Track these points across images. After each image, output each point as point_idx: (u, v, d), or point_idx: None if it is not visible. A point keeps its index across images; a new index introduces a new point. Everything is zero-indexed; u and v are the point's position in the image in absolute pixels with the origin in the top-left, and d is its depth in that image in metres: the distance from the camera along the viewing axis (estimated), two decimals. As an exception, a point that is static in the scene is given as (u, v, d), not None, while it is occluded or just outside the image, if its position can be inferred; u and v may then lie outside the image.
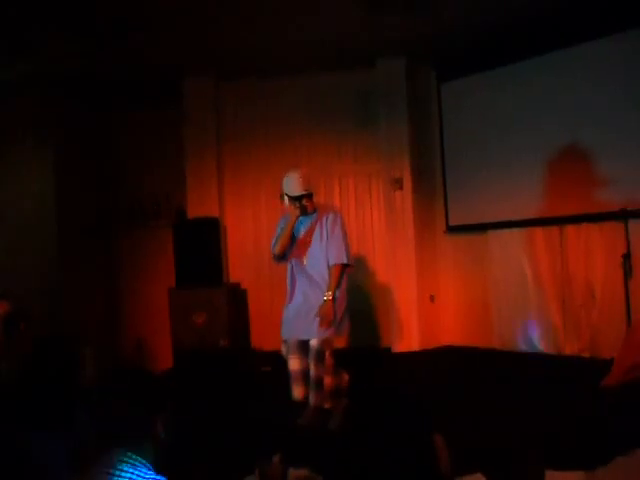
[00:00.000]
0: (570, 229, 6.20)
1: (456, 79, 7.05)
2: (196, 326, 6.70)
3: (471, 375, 5.74)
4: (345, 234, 4.64)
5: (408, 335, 7.08)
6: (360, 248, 7.30)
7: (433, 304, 7.28)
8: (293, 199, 4.54)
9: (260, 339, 7.22)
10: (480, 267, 6.97)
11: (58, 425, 2.53)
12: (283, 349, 4.71)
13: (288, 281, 4.75)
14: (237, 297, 7.14)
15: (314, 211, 4.65)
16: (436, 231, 7.37)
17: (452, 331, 7.24)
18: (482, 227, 6.91)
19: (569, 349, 6.19)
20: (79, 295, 6.98)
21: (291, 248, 4.66)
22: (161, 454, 2.64)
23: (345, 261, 4.55)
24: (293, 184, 4.54)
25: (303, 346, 4.55)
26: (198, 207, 7.29)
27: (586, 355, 6.03)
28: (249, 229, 7.53)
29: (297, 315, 4.60)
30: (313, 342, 4.46)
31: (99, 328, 7.12)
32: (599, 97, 5.86)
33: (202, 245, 6.95)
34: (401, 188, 7.13)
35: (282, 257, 4.71)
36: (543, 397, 4.67)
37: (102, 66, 6.64)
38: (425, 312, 7.18)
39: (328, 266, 4.55)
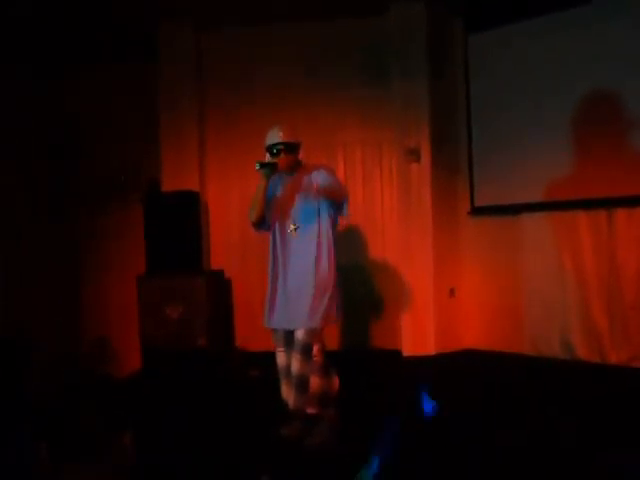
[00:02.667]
0: (620, 213, 6.13)
1: (488, 30, 6.93)
2: (170, 321, 6.68)
3: (498, 386, 5.67)
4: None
5: (422, 336, 7.05)
6: (367, 231, 7.29)
7: (453, 299, 7.26)
8: (270, 152, 4.49)
9: (246, 338, 7.19)
10: (510, 257, 6.92)
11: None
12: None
13: (270, 252, 4.65)
14: (219, 287, 7.12)
15: (296, 166, 4.55)
16: (459, 213, 7.31)
17: (475, 332, 7.22)
18: (514, 209, 6.86)
19: (615, 357, 6.17)
20: (27, 287, 6.90)
21: (269, 210, 4.60)
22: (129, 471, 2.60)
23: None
24: (271, 133, 4.52)
25: (289, 337, 4.52)
26: (174, 179, 7.22)
27: (636, 365, 5.99)
28: (235, 206, 7.45)
29: (279, 295, 4.57)
30: (298, 334, 4.40)
31: (52, 326, 7.04)
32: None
33: (178, 224, 6.89)
34: (418, 160, 7.07)
35: (262, 224, 4.65)
36: (586, 422, 4.59)
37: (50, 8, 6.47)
38: (443, 309, 7.15)
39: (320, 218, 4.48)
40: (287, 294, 4.49)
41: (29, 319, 6.58)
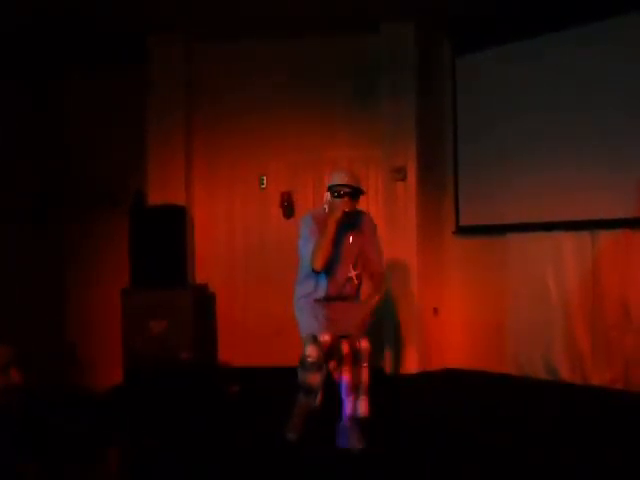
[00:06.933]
0: (604, 236, 6.15)
1: (475, 52, 6.99)
2: (153, 335, 6.64)
3: (478, 408, 5.66)
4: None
5: (405, 354, 7.05)
6: (352, 249, 7.25)
7: (437, 318, 7.24)
8: (332, 193, 4.42)
9: (229, 353, 7.19)
10: (495, 277, 6.93)
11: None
12: None
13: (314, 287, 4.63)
14: (204, 302, 7.09)
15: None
16: (444, 232, 7.33)
17: (458, 351, 7.21)
18: (499, 229, 6.88)
19: (597, 379, 6.15)
20: (7, 296, 6.83)
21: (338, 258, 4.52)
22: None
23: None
24: (341, 174, 4.48)
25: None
26: (160, 193, 7.21)
27: (618, 387, 5.99)
28: (221, 221, 7.51)
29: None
30: None
31: (33, 337, 6.96)
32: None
33: (164, 238, 6.88)
34: (404, 179, 7.09)
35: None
36: (567, 443, 4.59)
37: (40, 18, 6.48)
38: (427, 328, 7.13)
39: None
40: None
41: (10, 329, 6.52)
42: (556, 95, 6.38)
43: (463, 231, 7.19)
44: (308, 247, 4.43)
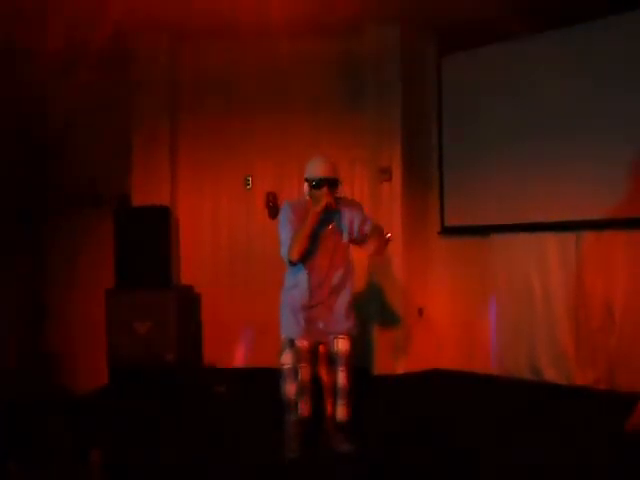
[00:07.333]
0: (588, 237, 6.18)
1: (460, 52, 7.01)
2: (138, 336, 6.61)
3: (465, 408, 5.66)
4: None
5: (391, 355, 7.04)
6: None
7: (421, 319, 7.24)
8: (313, 186, 4.32)
9: (214, 354, 7.17)
10: (479, 277, 6.95)
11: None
12: None
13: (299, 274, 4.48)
14: (189, 303, 7.07)
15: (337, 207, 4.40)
16: (429, 232, 7.33)
17: (443, 352, 7.20)
18: (484, 230, 6.90)
19: (581, 379, 6.18)
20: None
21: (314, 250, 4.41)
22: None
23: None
24: (315, 165, 4.36)
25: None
26: (145, 193, 7.18)
27: (601, 387, 6.02)
28: (206, 222, 7.49)
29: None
30: None
31: (15, 339, 6.93)
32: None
33: (148, 239, 6.85)
34: (389, 179, 7.10)
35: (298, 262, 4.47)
36: (551, 442, 4.61)
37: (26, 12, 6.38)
38: (412, 328, 7.12)
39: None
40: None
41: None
42: (541, 95, 6.39)
43: (448, 232, 7.20)
44: (283, 233, 4.38)
